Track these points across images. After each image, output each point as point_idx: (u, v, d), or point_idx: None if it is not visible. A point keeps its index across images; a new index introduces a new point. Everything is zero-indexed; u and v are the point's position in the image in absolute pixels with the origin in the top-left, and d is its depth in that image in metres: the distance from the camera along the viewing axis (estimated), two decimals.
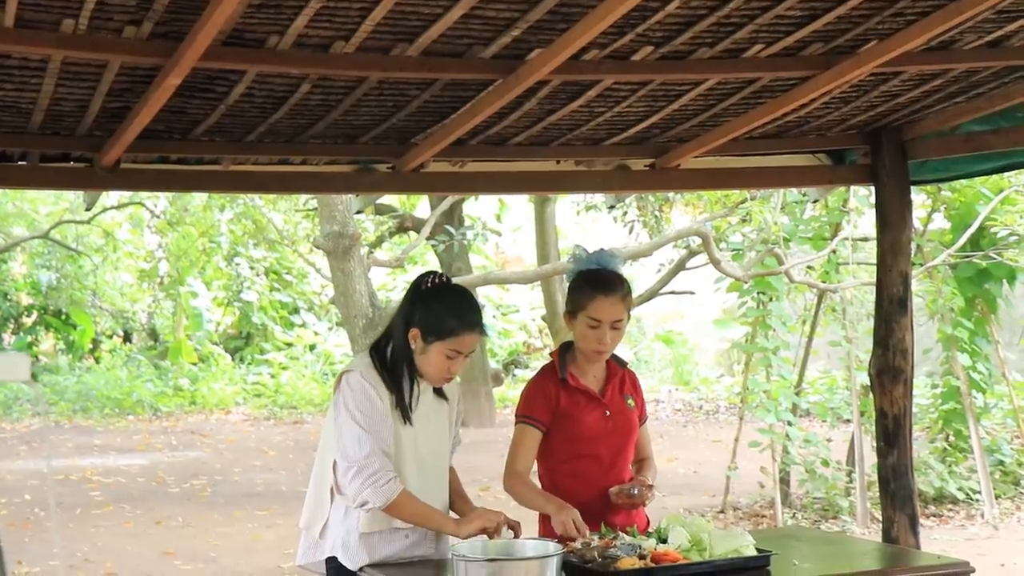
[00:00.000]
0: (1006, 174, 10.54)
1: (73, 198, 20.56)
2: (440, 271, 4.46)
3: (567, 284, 4.80)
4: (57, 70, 4.22)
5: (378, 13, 3.82)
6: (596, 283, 4.59)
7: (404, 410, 4.25)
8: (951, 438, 12.14)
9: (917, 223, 11.25)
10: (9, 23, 3.73)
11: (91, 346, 24.82)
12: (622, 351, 4.79)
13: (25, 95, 4.56)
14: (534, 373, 4.87)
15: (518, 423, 4.69)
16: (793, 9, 4.15)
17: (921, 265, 11.20)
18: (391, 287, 23.83)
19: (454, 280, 4.51)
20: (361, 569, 4.24)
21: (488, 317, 22.60)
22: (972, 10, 4.09)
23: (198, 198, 19.48)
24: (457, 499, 4.52)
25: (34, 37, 3.87)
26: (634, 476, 4.78)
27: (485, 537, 4.14)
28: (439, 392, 4.43)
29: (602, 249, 4.78)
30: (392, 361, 4.28)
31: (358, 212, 8.15)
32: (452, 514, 4.44)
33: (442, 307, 4.22)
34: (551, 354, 4.85)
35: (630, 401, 4.78)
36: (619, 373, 4.79)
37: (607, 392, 4.72)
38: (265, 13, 3.81)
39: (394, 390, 4.24)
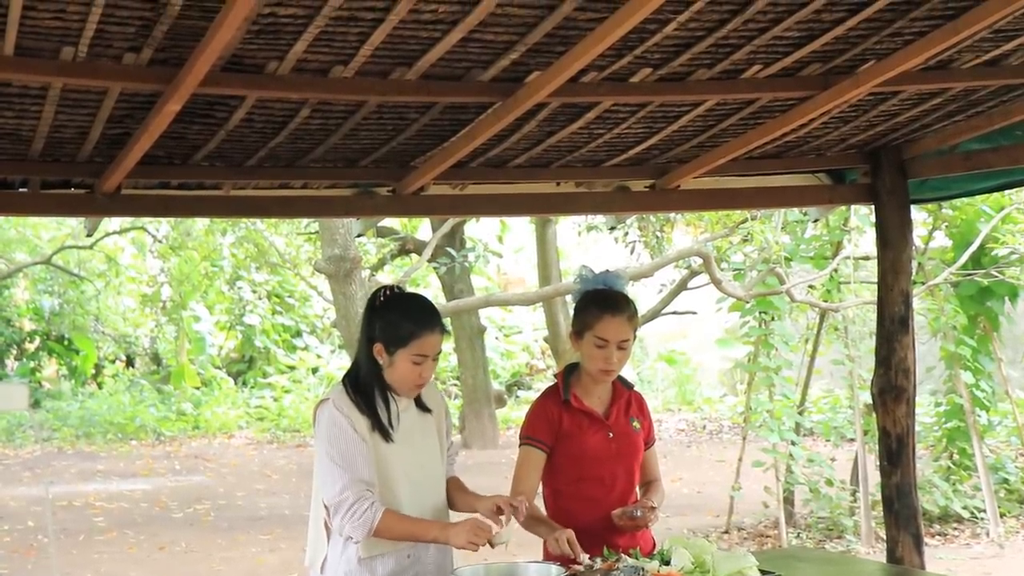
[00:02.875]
0: (1007, 192, 10.53)
1: (75, 224, 20.58)
2: (392, 284, 4.46)
3: (573, 304, 4.79)
4: (57, 97, 4.23)
5: (377, 37, 3.82)
6: (603, 303, 4.59)
7: (383, 430, 4.22)
8: (955, 456, 12.11)
9: (918, 241, 11.26)
10: (9, 51, 3.74)
11: (94, 371, 24.83)
12: (625, 371, 4.78)
13: (25, 122, 4.57)
14: (538, 394, 4.87)
15: (521, 444, 4.69)
16: (791, 30, 4.16)
17: (923, 283, 11.19)
18: None
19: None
20: None
21: (491, 339, 22.58)
22: (969, 29, 4.10)
23: (200, 222, 19.51)
24: (468, 496, 4.48)
25: (34, 65, 3.88)
26: (639, 498, 4.77)
27: (487, 558, 4.11)
28: (421, 406, 4.40)
29: (608, 270, 4.78)
30: (363, 383, 4.26)
31: (359, 235, 8.17)
32: (456, 516, 4.41)
33: (397, 315, 4.21)
34: (555, 375, 4.85)
35: (636, 423, 4.77)
36: (625, 395, 4.78)
37: (611, 414, 4.71)
38: (264, 39, 3.81)
39: (368, 413, 4.22)
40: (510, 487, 4.65)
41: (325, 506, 4.19)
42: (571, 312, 4.82)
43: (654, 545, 4.75)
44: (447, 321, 15.18)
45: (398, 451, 4.25)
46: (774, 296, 11.24)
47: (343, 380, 4.32)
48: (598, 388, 4.72)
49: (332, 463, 4.14)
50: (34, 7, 3.40)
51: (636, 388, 4.93)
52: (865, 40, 4.33)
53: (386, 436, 4.22)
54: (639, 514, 4.57)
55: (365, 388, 4.25)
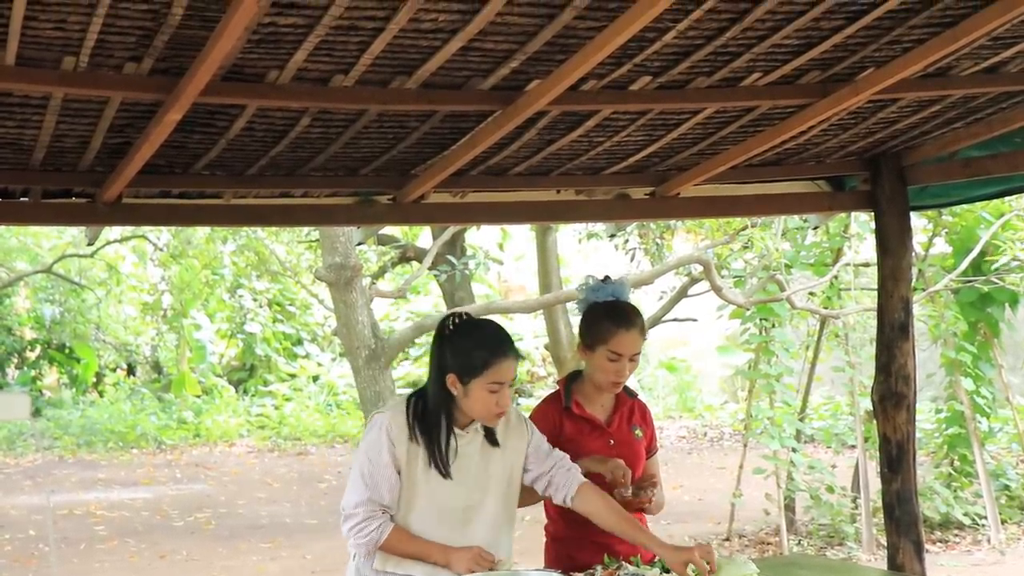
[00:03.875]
0: (1006, 198, 10.55)
1: (76, 232, 20.56)
2: (461, 311, 4.34)
3: (579, 313, 4.76)
4: (58, 107, 4.24)
5: (377, 46, 3.84)
6: (616, 317, 4.57)
7: (441, 465, 4.14)
8: (956, 463, 12.11)
9: (918, 248, 11.26)
10: (10, 61, 3.75)
11: (95, 380, 24.81)
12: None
13: (27, 132, 4.58)
14: (539, 401, 4.87)
15: None
16: (790, 38, 4.17)
17: (923, 290, 11.20)
18: (394, 317, 23.81)
19: (452, 309, 4.47)
20: None
21: None
22: (968, 37, 4.11)
23: (201, 231, 19.49)
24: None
25: (35, 75, 3.89)
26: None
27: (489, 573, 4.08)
28: (491, 439, 4.28)
29: (610, 278, 4.77)
30: (430, 411, 4.15)
31: (360, 243, 8.18)
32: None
33: (470, 343, 4.11)
34: (557, 382, 4.85)
35: (638, 432, 4.77)
36: (628, 403, 4.77)
37: (613, 422, 4.71)
38: (265, 48, 3.83)
39: (422, 441, 4.14)
40: None
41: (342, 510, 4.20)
42: (571, 319, 4.82)
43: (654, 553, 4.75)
44: None
45: (448, 485, 4.17)
46: (775, 303, 11.24)
47: (408, 399, 4.23)
48: (602, 396, 4.72)
49: (360, 476, 4.13)
50: (35, 17, 3.42)
51: (639, 396, 4.93)
52: (864, 48, 4.34)
53: (443, 473, 4.14)
54: (627, 493, 4.55)
55: (429, 418, 4.15)
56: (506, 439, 4.29)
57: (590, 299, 4.69)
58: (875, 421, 6.30)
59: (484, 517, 4.26)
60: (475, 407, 4.13)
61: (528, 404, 22.86)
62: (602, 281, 4.73)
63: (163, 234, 20.87)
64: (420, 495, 4.15)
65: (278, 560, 11.43)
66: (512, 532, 4.37)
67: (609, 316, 4.59)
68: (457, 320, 4.19)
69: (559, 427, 4.63)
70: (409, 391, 4.38)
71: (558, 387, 4.80)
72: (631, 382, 4.75)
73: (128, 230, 19.87)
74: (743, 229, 12.14)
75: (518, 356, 4.20)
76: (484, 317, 4.51)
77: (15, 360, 24.43)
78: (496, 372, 4.07)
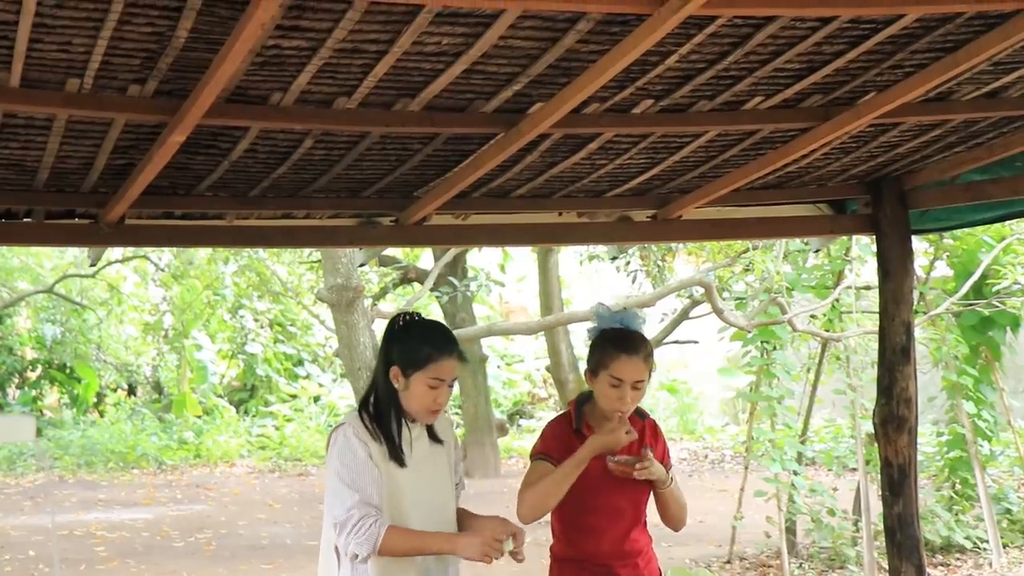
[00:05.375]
0: (1007, 222, 10.55)
1: (77, 252, 20.61)
2: (411, 311, 4.48)
3: (588, 342, 4.78)
4: (62, 128, 4.25)
5: (380, 69, 3.85)
6: (619, 343, 4.58)
7: (397, 455, 4.22)
8: (957, 486, 12.09)
9: (919, 271, 11.26)
10: (15, 83, 3.77)
11: (95, 400, 24.79)
12: None
13: (30, 153, 4.59)
14: (545, 421, 4.86)
15: (534, 460, 4.64)
16: (792, 62, 4.18)
17: (924, 313, 11.20)
18: None
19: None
20: None
21: (493, 367, 22.57)
22: (969, 62, 4.12)
23: (202, 251, 19.53)
24: (471, 519, 4.46)
25: (39, 96, 3.91)
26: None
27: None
28: (434, 437, 4.38)
29: (625, 308, 4.78)
30: (379, 408, 4.26)
31: (362, 265, 8.18)
32: None
33: (415, 339, 4.24)
34: (569, 403, 4.85)
35: (649, 453, 4.74)
36: (639, 425, 4.74)
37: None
38: (268, 70, 3.84)
39: (384, 439, 4.22)
40: (516, 498, 4.61)
41: (333, 526, 4.20)
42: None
43: (660, 574, 4.74)
44: None
45: (410, 478, 4.24)
46: (776, 325, 11.24)
47: (359, 407, 4.33)
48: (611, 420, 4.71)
49: (341, 483, 4.14)
50: (40, 39, 3.43)
51: (650, 416, 4.90)
52: (865, 72, 4.36)
53: (400, 462, 4.22)
54: (623, 459, 4.54)
55: (381, 412, 4.25)
56: (446, 438, 4.42)
57: (600, 327, 4.69)
58: (876, 444, 6.30)
59: (445, 510, 4.36)
60: (413, 402, 4.22)
61: (529, 425, 22.86)
62: (614, 311, 4.73)
63: (165, 254, 20.91)
64: (393, 492, 4.18)
65: None
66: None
67: (612, 341, 4.59)
68: (407, 318, 4.33)
69: (569, 448, 4.61)
70: None
71: (568, 408, 4.79)
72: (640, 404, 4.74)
73: (130, 250, 19.90)
74: (744, 252, 12.15)
75: (462, 358, 4.31)
76: (433, 319, 4.60)
77: (16, 380, 24.42)
78: (437, 368, 4.19)
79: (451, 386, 4.27)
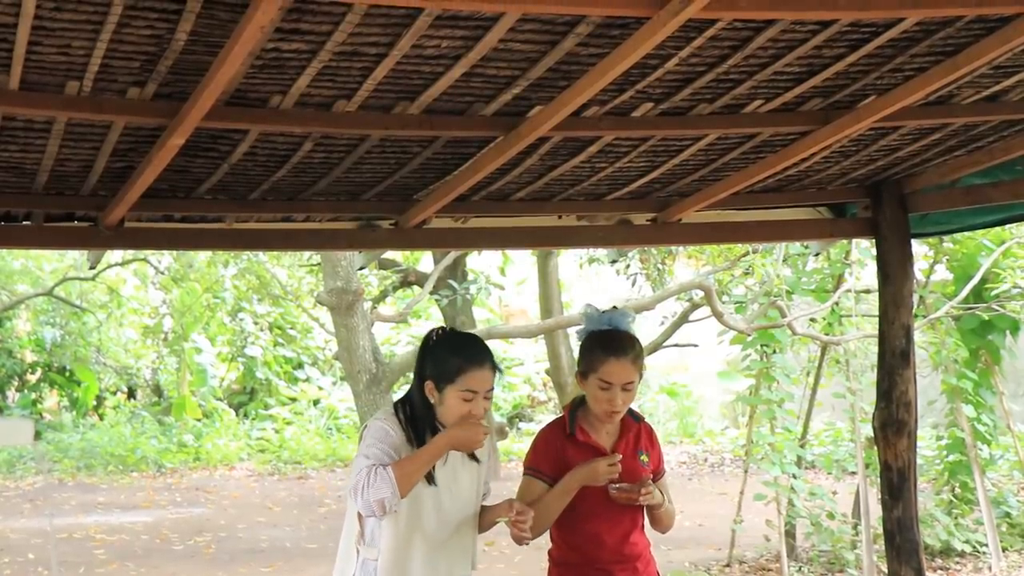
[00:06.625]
0: (1007, 226, 10.55)
1: (77, 255, 20.58)
2: (444, 325, 4.48)
3: (578, 343, 4.79)
4: (61, 131, 4.25)
5: (380, 72, 3.85)
6: (607, 345, 4.58)
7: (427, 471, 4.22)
8: (957, 490, 12.07)
9: (919, 275, 11.25)
10: (14, 85, 3.77)
11: (95, 403, 24.76)
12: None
13: (30, 156, 4.59)
14: (542, 426, 4.87)
15: (524, 474, 4.69)
16: (792, 65, 4.18)
17: (924, 317, 11.20)
18: (395, 341, 23.80)
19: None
20: None
21: None
22: (969, 66, 4.12)
23: (202, 254, 19.51)
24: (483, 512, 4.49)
25: (39, 99, 3.91)
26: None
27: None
28: (471, 455, 4.40)
29: (615, 307, 4.78)
30: (415, 417, 4.27)
31: (361, 268, 8.18)
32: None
33: (447, 351, 4.26)
34: (564, 408, 4.85)
35: (644, 457, 4.74)
36: (634, 428, 4.76)
37: (618, 448, 4.69)
38: (268, 73, 3.84)
39: (416, 444, 4.22)
40: None
41: (351, 495, 4.18)
42: (572, 344, 4.84)
43: None
44: None
45: (435, 493, 4.25)
46: (775, 329, 11.24)
47: (395, 405, 4.34)
48: (606, 424, 4.71)
49: (364, 458, 4.14)
50: (40, 42, 3.43)
51: (645, 420, 4.90)
52: (865, 76, 4.36)
53: (429, 478, 4.21)
54: (626, 487, 4.55)
55: (416, 423, 4.25)
56: (482, 459, 4.44)
57: (589, 328, 4.69)
58: (876, 448, 6.30)
59: (464, 524, 4.37)
60: (449, 416, 4.22)
61: (528, 428, 22.83)
62: (603, 311, 4.73)
63: (164, 257, 20.88)
64: (415, 497, 4.18)
65: None
66: (477, 544, 4.47)
67: (601, 344, 4.59)
68: (439, 332, 4.36)
69: (562, 453, 4.62)
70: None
71: (563, 413, 4.79)
72: (635, 406, 4.75)
73: (129, 253, 19.88)
74: (744, 255, 12.15)
75: (495, 368, 4.30)
76: (468, 331, 4.60)
77: (15, 383, 24.41)
78: (469, 380, 4.19)
79: (488, 397, 4.25)
